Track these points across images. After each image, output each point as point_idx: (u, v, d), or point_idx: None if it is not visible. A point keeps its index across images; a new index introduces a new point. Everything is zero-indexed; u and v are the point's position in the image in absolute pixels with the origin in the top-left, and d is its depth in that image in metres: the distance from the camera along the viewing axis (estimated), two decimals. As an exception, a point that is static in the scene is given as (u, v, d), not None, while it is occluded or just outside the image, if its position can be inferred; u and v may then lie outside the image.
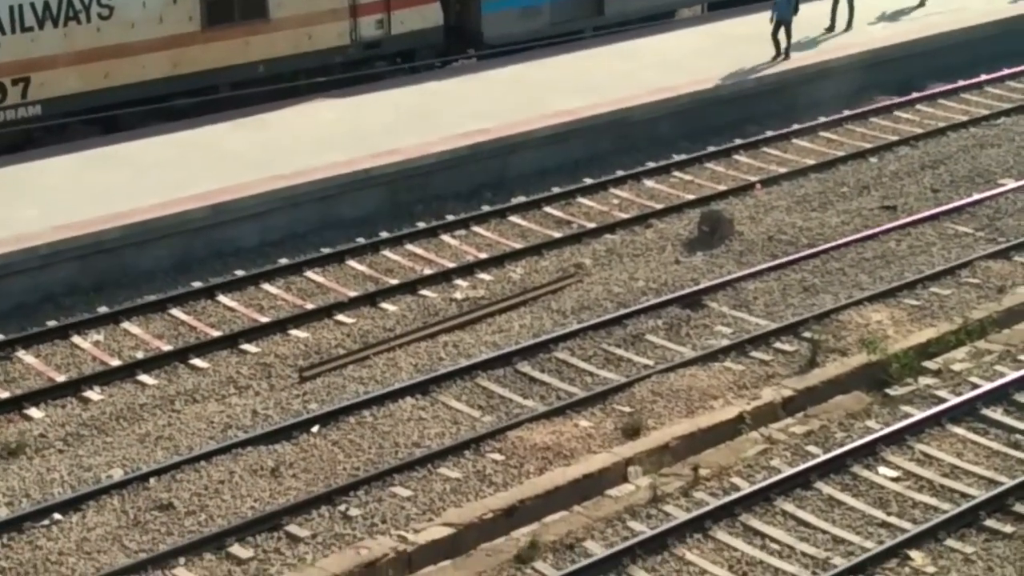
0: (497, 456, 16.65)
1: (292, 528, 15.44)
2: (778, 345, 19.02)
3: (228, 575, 14.79)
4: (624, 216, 23.32)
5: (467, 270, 21.48)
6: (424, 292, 20.84)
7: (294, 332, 19.71)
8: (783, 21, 27.97)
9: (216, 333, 19.67)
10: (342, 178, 23.08)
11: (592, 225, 22.99)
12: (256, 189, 22.47)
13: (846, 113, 27.63)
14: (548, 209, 23.72)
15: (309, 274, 21.44)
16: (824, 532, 15.29)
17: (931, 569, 14.62)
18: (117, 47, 24.77)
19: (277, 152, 24.05)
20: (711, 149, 26.00)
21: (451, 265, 21.62)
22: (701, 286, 20.59)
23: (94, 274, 20.93)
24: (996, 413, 17.40)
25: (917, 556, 14.80)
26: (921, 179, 24.63)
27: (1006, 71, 29.67)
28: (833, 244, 21.90)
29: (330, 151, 24.00)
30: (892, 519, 15.47)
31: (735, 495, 15.73)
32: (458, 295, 20.76)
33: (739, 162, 25.69)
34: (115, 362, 18.94)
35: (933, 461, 16.53)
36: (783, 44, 28.25)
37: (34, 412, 17.84)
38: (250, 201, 22.24)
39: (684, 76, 27.64)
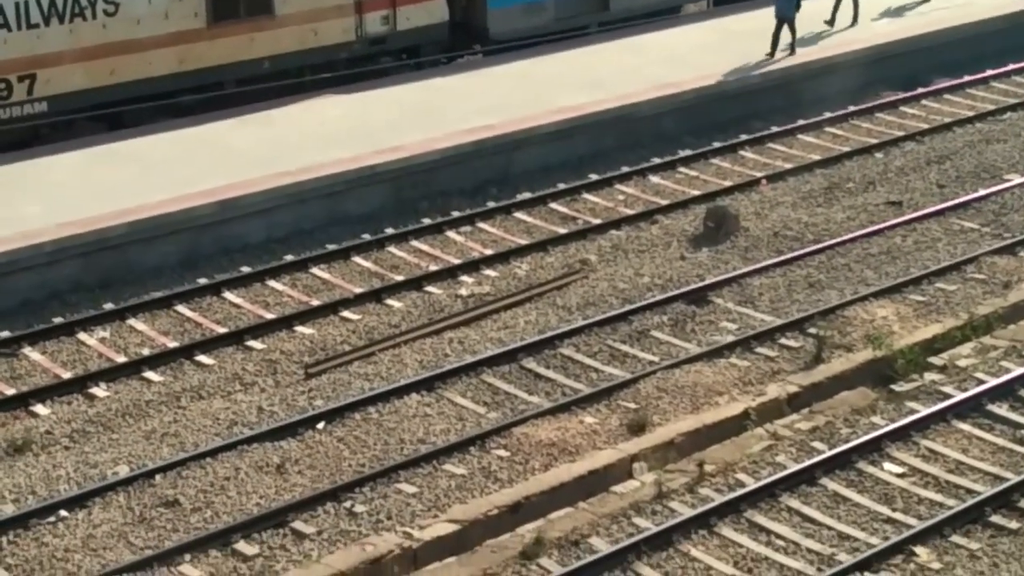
0: (502, 452, 16.66)
1: (298, 525, 15.47)
2: (783, 341, 19.02)
3: (234, 572, 14.82)
4: (629, 212, 23.32)
5: (472, 266, 21.49)
6: (429, 289, 20.85)
7: (300, 329, 19.73)
8: (785, 19, 27.94)
9: (222, 330, 19.69)
10: (348, 175, 23.09)
11: (597, 221, 22.98)
12: (262, 186, 22.48)
13: (851, 109, 27.60)
14: (553, 205, 23.72)
15: (315, 271, 21.46)
16: (829, 528, 15.29)
17: (937, 565, 14.62)
18: (123, 44, 24.78)
19: (283, 148, 24.07)
20: (716, 145, 25.99)
21: (456, 261, 21.63)
22: (706, 282, 20.59)
23: (100, 271, 20.95)
24: (1002, 409, 17.39)
25: (923, 552, 14.80)
26: (927, 175, 24.61)
27: (1012, 66, 29.61)
28: (838, 240, 21.89)
29: (336, 147, 24.01)
30: (897, 515, 15.47)
31: (740, 491, 15.74)
32: (463, 292, 20.77)
33: (744, 158, 25.67)
34: (121, 359, 18.97)
35: (939, 457, 16.53)
36: (787, 41, 28.19)
37: (40, 409, 17.86)
38: (256, 198, 22.26)
39: (689, 72, 27.62)
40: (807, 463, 16.21)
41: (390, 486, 16.07)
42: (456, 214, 23.19)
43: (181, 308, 20.32)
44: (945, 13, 31.07)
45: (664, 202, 23.65)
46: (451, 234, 22.66)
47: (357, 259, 21.84)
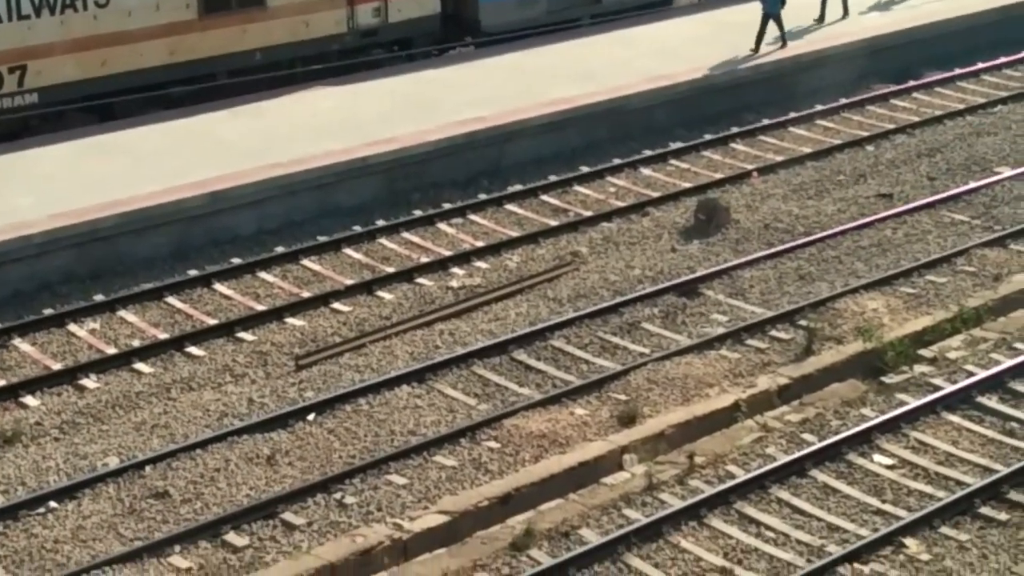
0: (493, 444, 16.67)
1: (288, 516, 15.46)
2: (774, 333, 19.04)
3: (223, 563, 14.81)
4: (621, 204, 23.32)
5: (463, 258, 21.49)
6: (420, 280, 20.85)
7: (290, 320, 19.72)
8: (770, 14, 27.93)
9: (212, 321, 19.68)
10: (339, 166, 23.08)
11: (589, 213, 22.99)
12: (253, 177, 22.46)
13: (843, 101, 27.62)
14: (545, 197, 23.72)
15: (306, 262, 21.45)
16: (819, 520, 15.31)
17: (926, 556, 14.64)
18: (114, 35, 24.75)
19: (274, 140, 24.05)
20: (708, 137, 26.00)
21: (448, 253, 21.63)
22: (697, 274, 20.60)
23: (90, 262, 20.93)
24: (991, 401, 17.42)
25: (912, 544, 14.83)
26: (917, 167, 24.63)
27: (1003, 59, 29.65)
28: (829, 232, 21.90)
29: (327, 139, 24.00)
30: (887, 507, 15.49)
31: (730, 483, 15.75)
32: (454, 283, 20.77)
33: (736, 150, 25.68)
34: (111, 350, 18.96)
35: (928, 449, 16.56)
36: (775, 35, 28.17)
37: (30, 400, 17.85)
38: (247, 189, 22.24)
39: (681, 64, 27.63)
40: (797, 455, 16.23)
41: (380, 478, 16.07)
42: (447, 206, 23.19)
43: (172, 300, 20.31)
44: (937, 5, 31.07)
45: (655, 194, 23.66)
46: (442, 226, 22.65)
47: (348, 251, 21.83)
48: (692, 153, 25.47)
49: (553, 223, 22.66)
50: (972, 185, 23.52)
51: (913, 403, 17.26)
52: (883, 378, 18.02)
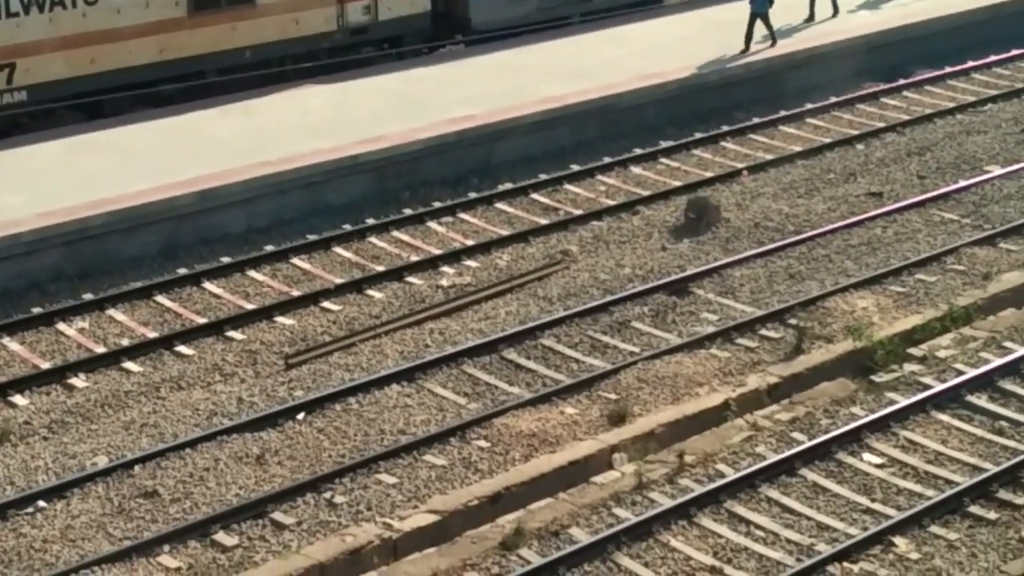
0: (483, 443, 16.66)
1: (277, 515, 15.44)
2: (764, 332, 19.04)
3: (213, 562, 14.79)
4: (611, 203, 23.32)
5: (453, 257, 21.47)
6: (410, 279, 20.83)
7: (280, 319, 19.69)
8: (758, 14, 27.91)
9: (201, 320, 19.65)
10: (329, 164, 23.05)
11: (579, 212, 22.98)
12: (243, 175, 22.43)
13: (833, 100, 27.63)
14: (535, 196, 23.70)
15: (295, 261, 21.42)
16: (809, 519, 15.32)
17: (915, 555, 14.66)
18: (103, 32, 24.69)
19: (264, 138, 24.01)
20: (698, 136, 26.00)
21: (437, 252, 21.61)
22: (687, 273, 20.60)
23: (79, 260, 20.89)
24: (981, 400, 17.44)
25: (901, 542, 14.84)
26: (907, 166, 24.65)
27: (993, 58, 29.68)
28: (819, 231, 21.92)
29: (317, 137, 23.96)
30: (876, 505, 15.51)
31: (720, 482, 15.76)
32: (444, 282, 20.75)
33: (726, 149, 25.69)
34: (100, 349, 18.92)
35: (918, 448, 16.57)
36: (763, 33, 28.14)
37: (18, 399, 17.81)
38: (237, 187, 22.21)
39: (672, 62, 27.62)
40: (787, 454, 16.23)
41: (370, 477, 16.05)
42: (437, 205, 23.16)
43: (161, 298, 20.27)
44: (928, 4, 31.09)
45: (646, 193, 23.65)
46: (432, 225, 22.63)
47: (338, 249, 21.80)
48: (682, 152, 25.47)
49: (543, 222, 22.65)
50: (962, 184, 23.55)
51: (903, 402, 17.28)
52: (873, 377, 18.04)
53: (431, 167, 24.01)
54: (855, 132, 26.14)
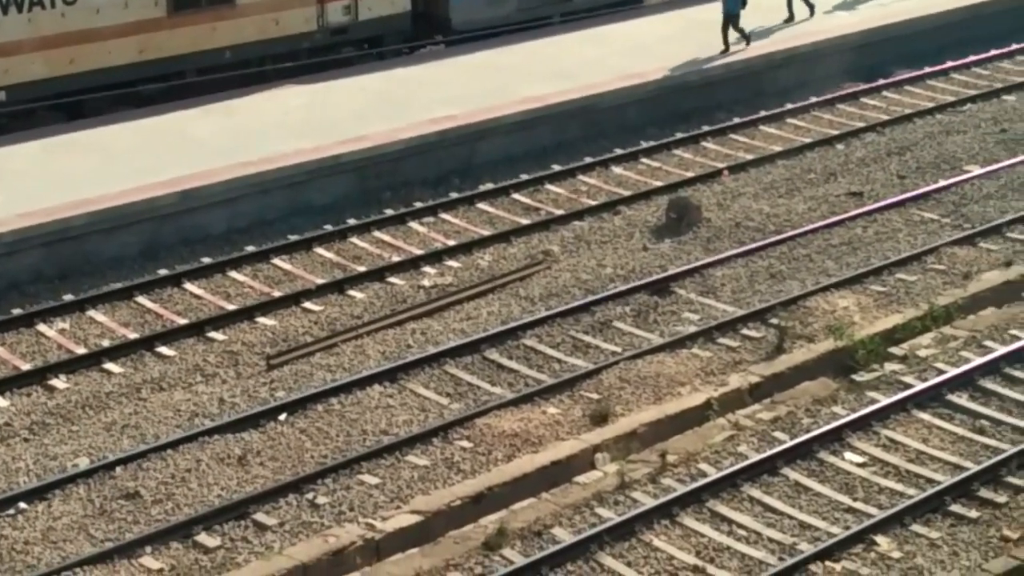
0: (465, 443, 16.65)
1: (259, 516, 15.41)
2: (745, 331, 19.08)
3: (195, 564, 14.76)
4: (592, 203, 23.33)
5: (435, 257, 21.46)
6: (392, 279, 20.81)
7: (261, 320, 19.65)
8: (730, 14, 27.90)
9: (183, 321, 19.59)
10: (310, 164, 23.01)
11: (560, 212, 22.99)
12: (224, 176, 22.37)
13: (813, 100, 27.69)
14: (516, 196, 23.70)
15: (276, 261, 21.38)
16: (791, 518, 15.35)
17: (897, 554, 14.70)
18: (82, 33, 24.60)
19: (245, 138, 23.96)
20: (679, 136, 26.03)
21: (419, 252, 21.59)
22: (669, 273, 20.62)
23: (59, 261, 20.81)
24: (961, 399, 17.50)
25: (883, 541, 14.88)
26: (887, 166, 24.72)
27: (973, 58, 29.77)
28: (800, 231, 21.96)
29: (298, 137, 23.92)
30: (858, 504, 15.55)
31: (702, 481, 15.78)
32: (426, 282, 20.74)
33: (707, 149, 25.73)
34: (81, 350, 18.85)
35: (899, 447, 16.62)
36: (737, 36, 28.15)
37: (-1, 401, 17.77)
38: (218, 188, 22.16)
39: (652, 62, 27.65)
40: (768, 453, 16.27)
41: (352, 477, 16.03)
42: (419, 205, 23.15)
43: (142, 299, 20.21)
44: (906, 4, 31.18)
45: (627, 193, 23.67)
46: (414, 225, 22.61)
47: (319, 250, 21.77)
48: (663, 151, 25.50)
49: (525, 222, 22.65)
50: (942, 183, 23.62)
51: (884, 401, 17.33)
52: (854, 376, 18.09)
53: (412, 167, 23.99)
54: (835, 132, 26.20)
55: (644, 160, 25.17)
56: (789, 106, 27.33)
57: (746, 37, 28.26)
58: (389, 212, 22.88)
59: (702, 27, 29.56)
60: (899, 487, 15.83)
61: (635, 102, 26.52)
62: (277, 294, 20.32)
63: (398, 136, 24.00)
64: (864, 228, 22.18)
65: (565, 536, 14.99)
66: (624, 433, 16.79)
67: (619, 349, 18.68)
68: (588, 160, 24.93)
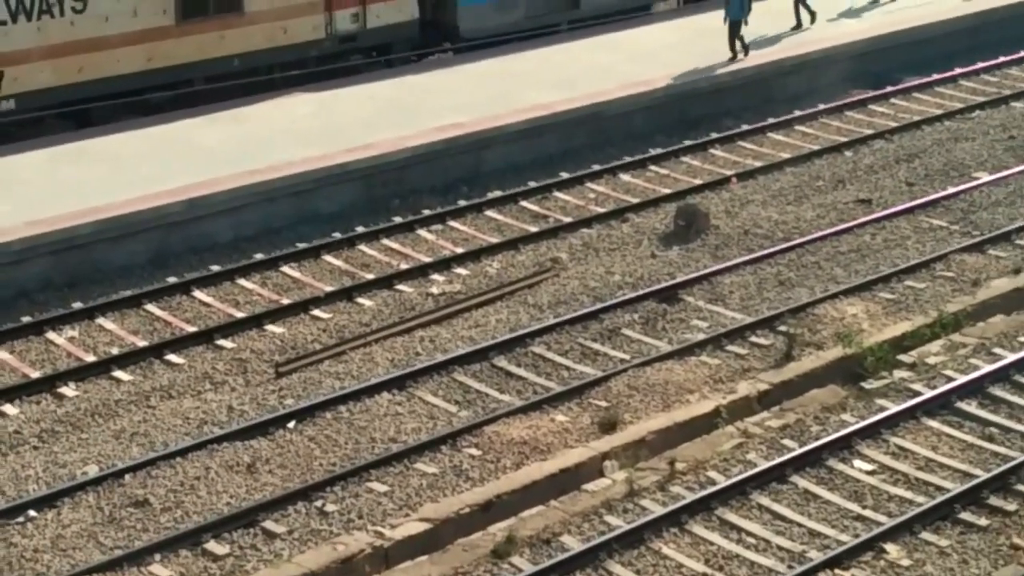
0: (474, 451, 16.65)
1: (268, 524, 15.41)
2: (754, 339, 19.06)
3: (204, 571, 14.76)
4: (600, 210, 23.33)
5: (443, 265, 21.46)
6: (400, 287, 20.82)
7: (270, 327, 19.66)
8: (732, 21, 27.90)
9: (191, 328, 19.61)
10: (318, 172, 23.03)
11: (568, 219, 22.99)
12: (231, 184, 22.39)
13: (821, 107, 27.69)
14: (524, 203, 23.71)
15: (285, 269, 21.40)
16: (800, 525, 15.33)
17: (906, 562, 14.68)
18: (91, 41, 24.66)
19: (253, 146, 23.99)
20: (687, 143, 26.03)
21: (427, 260, 21.60)
22: (677, 280, 20.61)
23: (68, 269, 20.84)
24: (971, 406, 17.46)
25: (892, 549, 14.86)
26: (896, 173, 24.71)
27: (981, 64, 29.76)
28: (808, 238, 21.95)
29: (306, 145, 23.95)
30: (867, 512, 15.52)
31: (711, 489, 15.76)
32: (434, 290, 20.75)
33: (715, 156, 25.72)
34: (90, 358, 18.87)
35: (908, 454, 16.59)
36: (738, 44, 28.15)
37: (8, 408, 17.74)
38: (225, 196, 22.17)
39: (659, 70, 27.66)
40: (777, 460, 16.24)
41: (361, 485, 16.03)
42: (427, 212, 23.16)
43: (150, 307, 20.23)
44: (915, 11, 31.18)
45: (635, 200, 23.67)
46: (422, 232, 22.63)
47: (327, 257, 21.78)
48: (671, 159, 25.50)
49: (533, 229, 22.66)
50: (950, 190, 23.61)
51: (893, 408, 17.30)
52: (863, 384, 18.06)
53: (420, 175, 24.01)
54: (844, 139, 26.20)
55: (652, 167, 25.16)
56: (797, 113, 27.34)
57: (745, 47, 28.23)
58: (397, 220, 22.89)
59: (709, 35, 29.58)
60: (908, 495, 15.80)
61: (642, 109, 26.53)
62: (286, 302, 20.33)
63: (406, 144, 24.02)
64: (873, 235, 22.16)
65: (574, 544, 14.98)
66: (633, 441, 16.77)
67: (628, 357, 18.67)
68: (596, 168, 24.93)
